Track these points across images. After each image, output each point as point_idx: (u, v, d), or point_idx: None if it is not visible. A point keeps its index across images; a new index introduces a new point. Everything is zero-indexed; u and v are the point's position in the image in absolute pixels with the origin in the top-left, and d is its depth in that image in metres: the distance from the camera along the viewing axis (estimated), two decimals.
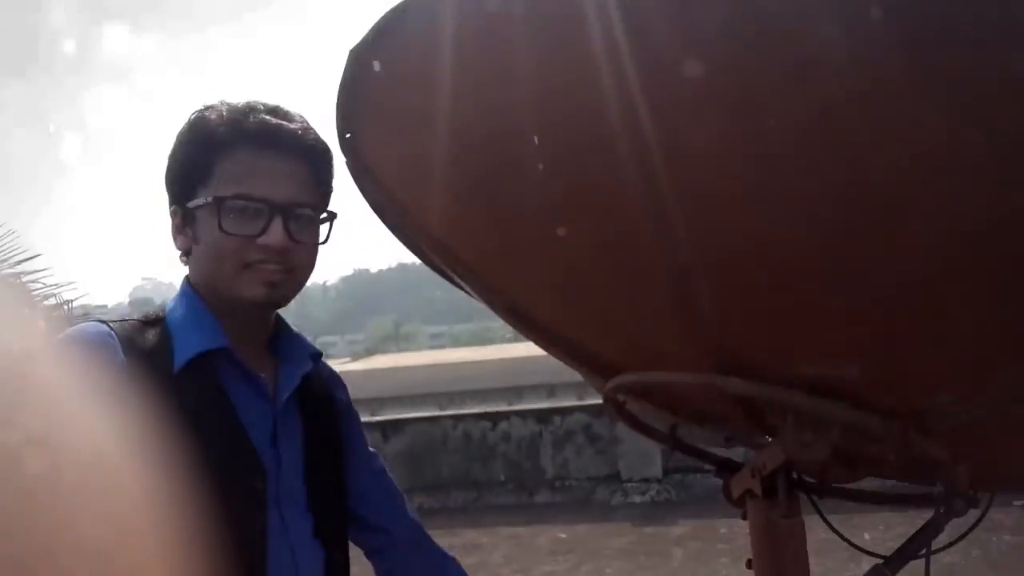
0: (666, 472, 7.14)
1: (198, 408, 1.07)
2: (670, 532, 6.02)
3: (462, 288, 1.58)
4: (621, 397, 1.62)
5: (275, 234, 1.13)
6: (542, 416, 7.53)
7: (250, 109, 1.17)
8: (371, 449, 1.37)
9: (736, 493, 1.60)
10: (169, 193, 1.20)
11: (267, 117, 1.17)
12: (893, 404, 1.17)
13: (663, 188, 1.06)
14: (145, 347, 1.10)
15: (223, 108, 1.17)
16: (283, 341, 1.24)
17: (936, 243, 0.99)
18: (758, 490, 1.44)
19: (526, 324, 1.50)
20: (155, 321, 1.16)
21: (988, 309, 1.05)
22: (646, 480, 7.14)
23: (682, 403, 1.48)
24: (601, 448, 7.33)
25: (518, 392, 15.12)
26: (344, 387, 1.34)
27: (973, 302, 1.05)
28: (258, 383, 1.15)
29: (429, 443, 7.60)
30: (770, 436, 1.39)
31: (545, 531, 6.33)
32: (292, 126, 1.18)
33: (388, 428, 7.69)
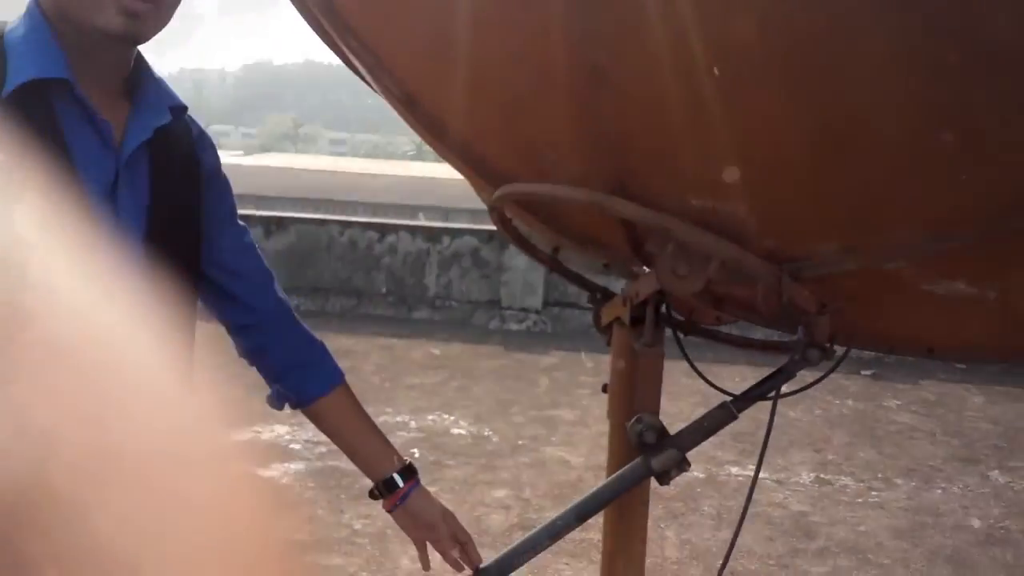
0: (546, 304, 7.32)
1: (23, 139, 0.94)
2: (540, 361, 6.25)
3: (353, 69, 1.45)
4: (508, 213, 1.57)
5: None
6: (431, 234, 7.51)
7: None
8: (241, 223, 1.27)
9: (605, 320, 1.61)
10: None
11: None
12: (772, 248, 1.17)
13: None
14: None
15: None
16: (142, 86, 1.10)
17: (836, 87, 0.96)
18: (626, 318, 1.44)
19: (419, 119, 1.40)
20: None
21: (879, 167, 1.03)
22: (525, 310, 7.31)
23: (567, 222, 1.43)
24: (486, 273, 7.42)
25: (413, 211, 15.04)
26: (214, 151, 1.22)
27: (866, 157, 1.02)
28: (100, 125, 1.02)
29: (313, 245, 7.48)
30: (648, 267, 1.37)
31: (420, 346, 6.46)
32: None
33: (272, 224, 7.51)
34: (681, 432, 1.36)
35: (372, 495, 1.36)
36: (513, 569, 1.38)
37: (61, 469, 0.25)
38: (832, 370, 1.39)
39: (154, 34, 1.03)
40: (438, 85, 1.34)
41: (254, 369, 1.36)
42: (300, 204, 14.49)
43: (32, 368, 0.26)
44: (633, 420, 1.36)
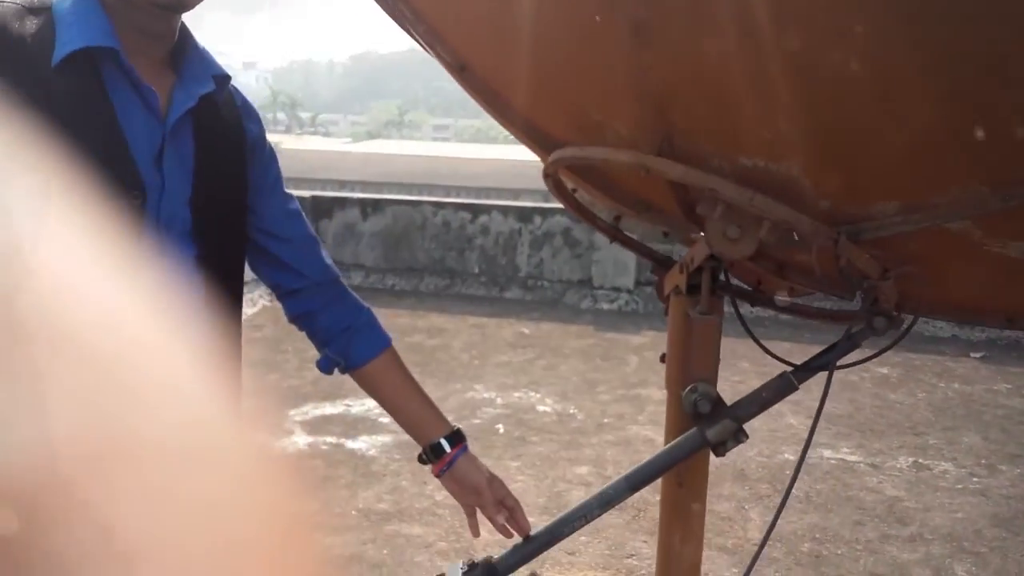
0: (638, 283, 7.23)
1: (76, 108, 0.98)
2: (630, 340, 6.18)
3: (407, 31, 1.46)
4: (570, 185, 1.56)
5: None
6: (523, 214, 7.51)
7: None
8: (287, 191, 1.30)
9: (667, 290, 1.57)
10: None
11: None
12: (828, 208, 1.11)
13: None
14: (24, 33, 1.00)
15: None
16: (187, 55, 1.13)
17: (894, 35, 0.90)
18: (683, 286, 1.41)
19: (473, 87, 1.40)
20: (40, 9, 1.04)
21: (940, 117, 0.97)
22: (617, 289, 7.24)
23: (622, 188, 1.41)
24: (578, 253, 7.38)
25: (514, 194, 15.08)
26: (258, 120, 1.25)
27: (925, 104, 0.96)
28: (146, 94, 1.06)
29: (407, 226, 7.60)
30: (702, 231, 1.34)
31: (510, 325, 6.49)
32: None
33: (368, 206, 7.67)
34: (738, 402, 1.33)
35: (420, 460, 1.37)
36: (563, 537, 1.38)
37: (80, 466, 0.25)
38: (899, 340, 1.33)
39: (197, 3, 1.06)
40: (488, 51, 1.34)
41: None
42: (405, 189, 14.72)
43: (53, 363, 0.26)
44: (688, 389, 1.33)
